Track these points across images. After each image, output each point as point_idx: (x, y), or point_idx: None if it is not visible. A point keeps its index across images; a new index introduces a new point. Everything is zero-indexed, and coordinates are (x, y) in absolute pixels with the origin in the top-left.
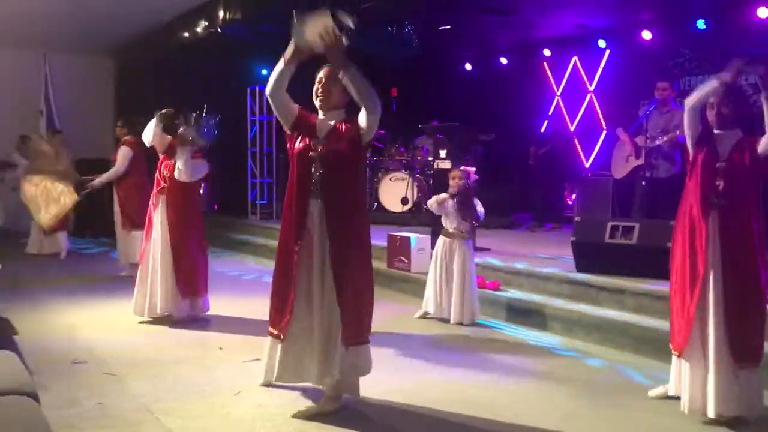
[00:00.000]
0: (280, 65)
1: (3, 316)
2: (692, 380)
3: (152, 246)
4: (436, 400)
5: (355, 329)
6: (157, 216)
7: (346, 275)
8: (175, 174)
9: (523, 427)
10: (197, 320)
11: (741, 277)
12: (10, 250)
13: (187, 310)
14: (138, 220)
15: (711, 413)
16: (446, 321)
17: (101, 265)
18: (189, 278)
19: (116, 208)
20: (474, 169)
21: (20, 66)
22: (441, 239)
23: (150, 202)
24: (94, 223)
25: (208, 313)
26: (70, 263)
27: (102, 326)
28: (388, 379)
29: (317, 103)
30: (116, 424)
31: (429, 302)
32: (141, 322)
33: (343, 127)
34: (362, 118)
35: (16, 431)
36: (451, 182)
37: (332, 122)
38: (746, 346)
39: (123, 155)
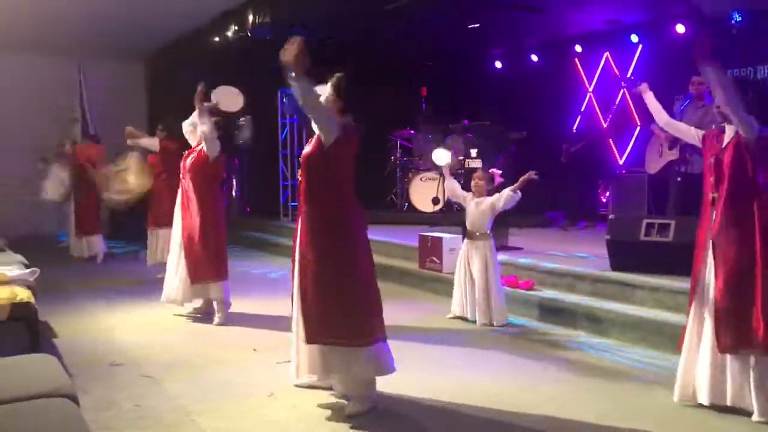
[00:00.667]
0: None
1: (42, 319)
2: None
3: (173, 237)
4: (467, 399)
5: (314, 327)
6: (178, 208)
7: (307, 273)
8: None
9: (557, 427)
10: (231, 320)
11: (732, 272)
12: (47, 254)
13: (201, 295)
14: (164, 220)
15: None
16: (475, 322)
17: (136, 266)
18: (203, 262)
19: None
20: (500, 171)
21: (56, 74)
22: (465, 240)
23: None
24: (127, 225)
25: (240, 313)
26: (106, 266)
27: (138, 328)
28: (419, 379)
29: None
30: (154, 426)
31: (455, 303)
32: (177, 314)
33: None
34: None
35: None
36: (472, 183)
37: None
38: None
39: (153, 143)
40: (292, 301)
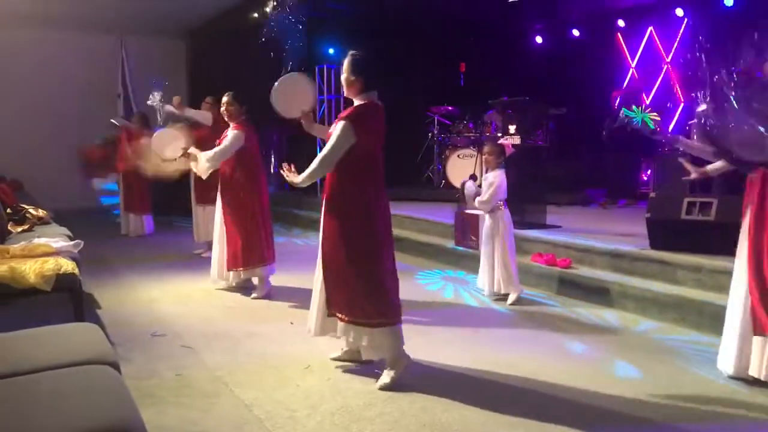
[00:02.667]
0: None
1: (86, 291)
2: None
3: (217, 217)
4: (500, 375)
5: (335, 302)
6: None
7: (329, 250)
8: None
9: (597, 407)
10: (268, 295)
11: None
12: (95, 228)
13: (244, 276)
14: (211, 195)
15: None
16: (504, 298)
17: (180, 243)
18: (248, 246)
19: (192, 184)
20: (511, 142)
21: (98, 50)
22: (481, 215)
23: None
24: (171, 203)
25: (280, 285)
26: (151, 242)
27: (180, 301)
28: (451, 353)
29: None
30: (194, 395)
31: (480, 278)
32: (218, 289)
33: (338, 119)
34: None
35: (100, 399)
36: (483, 158)
37: None
38: None
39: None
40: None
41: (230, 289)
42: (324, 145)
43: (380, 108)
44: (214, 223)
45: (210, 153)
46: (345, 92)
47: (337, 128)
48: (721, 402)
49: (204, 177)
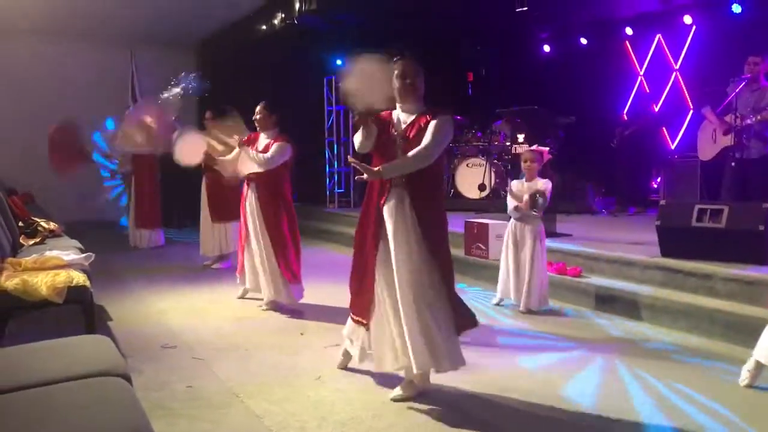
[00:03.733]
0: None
1: (98, 303)
2: None
3: (251, 237)
4: (511, 386)
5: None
6: (249, 206)
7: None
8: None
9: (605, 418)
10: (279, 306)
11: None
12: (106, 241)
13: (291, 295)
14: (225, 213)
15: None
16: (518, 307)
17: (189, 255)
18: (289, 264)
19: (204, 199)
20: (547, 148)
21: (109, 62)
22: (511, 222)
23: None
24: (180, 214)
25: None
26: (161, 254)
27: (190, 313)
28: (465, 367)
29: (398, 97)
30: (205, 406)
31: (498, 287)
32: (226, 300)
33: (423, 120)
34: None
35: (111, 410)
36: (523, 165)
37: (413, 115)
38: None
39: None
40: (371, 289)
41: (239, 300)
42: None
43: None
44: (251, 238)
45: (254, 154)
46: (401, 98)
47: (437, 123)
48: (737, 407)
49: (226, 175)
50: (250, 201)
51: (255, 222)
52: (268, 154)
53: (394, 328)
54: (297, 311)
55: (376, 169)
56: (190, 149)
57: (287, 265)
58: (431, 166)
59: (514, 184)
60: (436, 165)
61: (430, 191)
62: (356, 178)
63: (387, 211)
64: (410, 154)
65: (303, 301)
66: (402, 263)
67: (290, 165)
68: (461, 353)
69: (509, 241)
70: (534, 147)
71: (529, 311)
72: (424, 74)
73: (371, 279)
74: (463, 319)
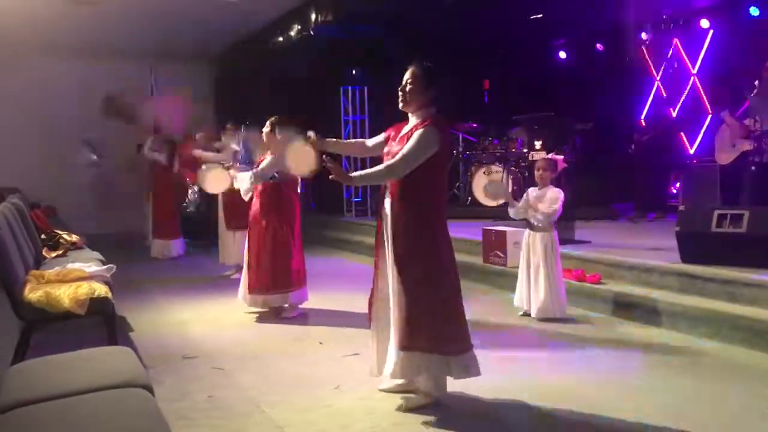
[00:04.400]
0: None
1: (119, 314)
2: None
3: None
4: (532, 395)
5: (403, 334)
6: (252, 211)
7: (407, 278)
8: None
9: (627, 422)
10: (299, 316)
11: None
12: (126, 252)
13: (279, 301)
14: (243, 222)
15: None
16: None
17: (208, 265)
18: (260, 274)
19: (221, 209)
20: (562, 157)
21: (128, 77)
22: (526, 232)
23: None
24: (198, 226)
25: (308, 307)
26: (181, 265)
27: (210, 323)
28: (485, 375)
29: (400, 104)
30: (226, 416)
31: (517, 297)
32: (248, 313)
33: (415, 129)
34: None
35: (134, 421)
36: (536, 174)
37: (412, 122)
38: None
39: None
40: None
41: (261, 311)
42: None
43: (449, 124)
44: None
45: (247, 175)
46: (403, 104)
47: (419, 133)
48: (758, 413)
49: (246, 198)
50: (255, 205)
51: (259, 226)
52: (256, 169)
53: (390, 337)
54: (304, 315)
55: (350, 174)
56: (216, 180)
57: (286, 271)
58: (429, 177)
59: (529, 192)
60: (434, 176)
61: (422, 203)
62: (330, 177)
63: (385, 221)
64: (384, 163)
65: (322, 309)
66: (393, 273)
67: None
68: (446, 366)
69: (524, 250)
70: (549, 156)
71: (544, 319)
72: (431, 81)
73: (374, 287)
74: (447, 341)
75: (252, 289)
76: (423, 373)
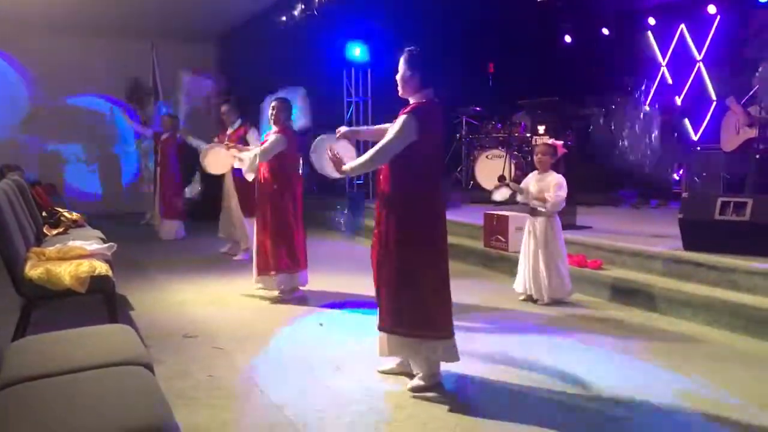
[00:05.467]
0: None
1: (120, 293)
2: None
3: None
4: (531, 379)
5: (389, 317)
6: (260, 193)
7: (386, 261)
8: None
9: (626, 407)
10: (298, 297)
11: None
12: (123, 231)
13: (283, 282)
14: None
15: None
16: (539, 300)
17: (210, 246)
18: (284, 252)
19: (233, 194)
20: (561, 142)
21: (130, 54)
22: (528, 218)
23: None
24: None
25: (309, 289)
26: (181, 245)
27: (210, 303)
28: (483, 358)
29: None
30: (226, 396)
31: (518, 282)
32: (248, 294)
33: (401, 114)
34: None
35: (135, 399)
36: (536, 158)
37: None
38: None
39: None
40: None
41: (264, 292)
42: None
43: (439, 106)
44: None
45: (251, 154)
46: (400, 92)
47: (398, 122)
48: (757, 399)
49: (249, 179)
50: (259, 189)
51: (263, 208)
52: (258, 149)
53: None
54: (304, 297)
55: (343, 167)
56: (217, 161)
57: (290, 252)
58: (414, 164)
59: (529, 177)
60: (417, 163)
61: (409, 192)
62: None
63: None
64: (368, 153)
65: (323, 290)
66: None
67: (291, 156)
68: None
69: (525, 236)
70: (549, 141)
71: (548, 303)
72: (414, 65)
73: (374, 272)
74: (435, 326)
75: (260, 270)
76: (410, 355)
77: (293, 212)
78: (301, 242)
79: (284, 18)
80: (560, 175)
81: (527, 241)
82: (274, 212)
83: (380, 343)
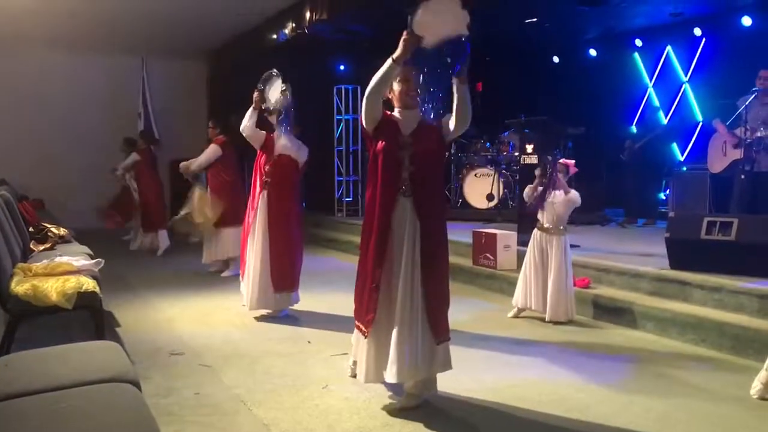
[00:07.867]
0: (389, 64)
1: (107, 309)
2: None
3: (254, 243)
4: (518, 398)
5: (443, 326)
6: (259, 213)
7: (434, 274)
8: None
9: (611, 428)
10: (287, 315)
11: None
12: (111, 247)
13: (282, 303)
14: (228, 219)
15: None
16: (536, 318)
17: (195, 261)
18: (286, 272)
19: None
20: (573, 161)
21: (120, 70)
22: (536, 233)
23: (249, 201)
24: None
25: (298, 308)
26: (167, 260)
27: (197, 320)
28: (471, 377)
29: (407, 101)
30: (212, 413)
31: (518, 297)
32: (236, 311)
33: (432, 125)
34: (452, 123)
35: (121, 416)
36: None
37: (417, 120)
38: None
39: (211, 151)
40: (375, 299)
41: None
42: None
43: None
44: (253, 249)
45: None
46: (411, 101)
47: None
48: (746, 419)
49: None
50: (260, 206)
51: (263, 226)
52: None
53: (391, 337)
54: (292, 315)
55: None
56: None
57: (285, 273)
58: (435, 175)
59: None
60: (438, 174)
61: (437, 207)
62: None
63: (395, 222)
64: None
65: (311, 309)
66: (404, 274)
67: (302, 171)
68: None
69: (534, 252)
70: (562, 160)
71: (553, 322)
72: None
73: (378, 292)
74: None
75: (278, 288)
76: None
77: (296, 230)
78: (300, 261)
79: (274, 36)
80: (574, 192)
81: (533, 259)
82: (289, 229)
83: (439, 358)
